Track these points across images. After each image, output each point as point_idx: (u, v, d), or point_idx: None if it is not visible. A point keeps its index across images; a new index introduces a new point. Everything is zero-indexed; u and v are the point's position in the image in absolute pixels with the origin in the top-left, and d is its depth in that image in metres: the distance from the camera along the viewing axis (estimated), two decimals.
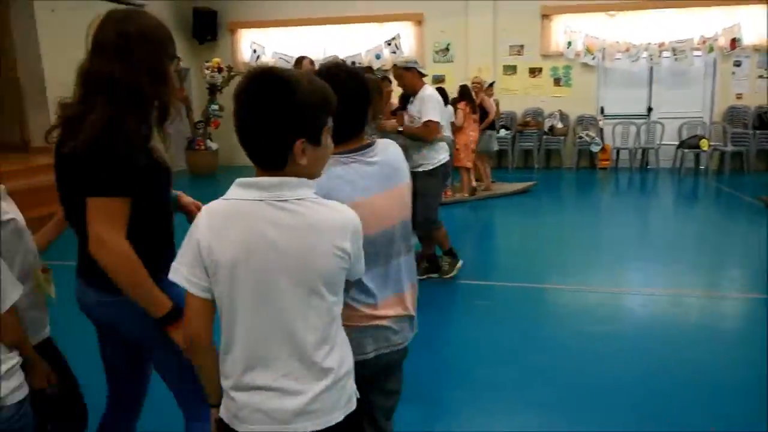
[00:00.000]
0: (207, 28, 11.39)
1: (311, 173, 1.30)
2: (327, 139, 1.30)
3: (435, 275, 4.82)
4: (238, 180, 1.27)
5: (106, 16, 1.59)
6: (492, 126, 8.47)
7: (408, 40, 10.99)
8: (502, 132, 10.19)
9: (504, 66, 10.74)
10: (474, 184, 8.15)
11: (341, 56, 10.87)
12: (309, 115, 1.23)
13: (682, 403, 2.87)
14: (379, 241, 1.60)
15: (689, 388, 2.99)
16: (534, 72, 10.71)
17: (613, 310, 4.22)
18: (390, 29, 10.96)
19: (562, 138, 10.46)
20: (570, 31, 10.42)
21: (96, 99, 1.53)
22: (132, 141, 1.51)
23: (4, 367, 1.49)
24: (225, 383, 1.31)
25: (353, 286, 1.55)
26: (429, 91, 4.65)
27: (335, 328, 1.32)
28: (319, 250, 1.24)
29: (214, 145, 10.80)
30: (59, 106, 1.62)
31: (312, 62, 5.54)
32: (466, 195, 7.98)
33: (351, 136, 1.62)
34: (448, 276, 4.80)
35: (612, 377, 3.15)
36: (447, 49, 10.90)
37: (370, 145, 1.65)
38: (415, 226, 4.68)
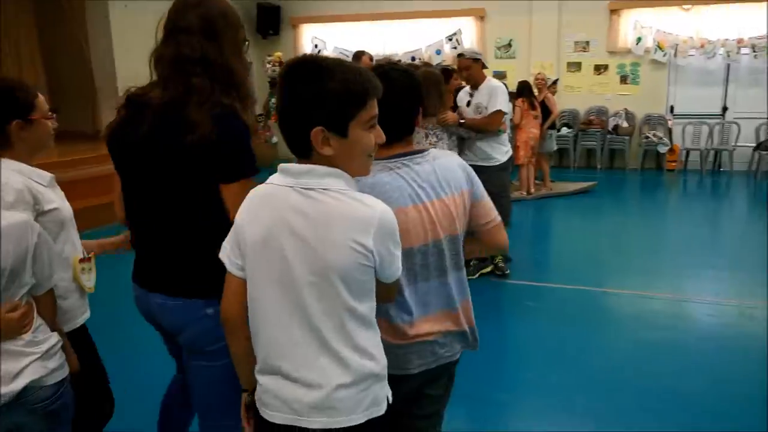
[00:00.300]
0: (270, 23, 11.60)
1: (344, 166, 1.25)
2: (358, 133, 1.24)
3: (487, 269, 4.73)
4: (280, 165, 1.27)
5: (182, 2, 1.59)
6: (552, 125, 8.24)
7: (469, 36, 10.82)
8: (564, 130, 9.90)
9: (568, 63, 10.40)
10: (533, 182, 7.95)
11: (401, 52, 10.89)
12: (332, 104, 1.19)
13: (745, 420, 2.69)
14: (421, 254, 1.52)
15: (755, 405, 2.79)
16: (599, 69, 10.33)
17: (674, 317, 4.01)
18: (451, 25, 10.83)
19: (627, 138, 10.05)
20: (640, 26, 9.97)
21: (191, 82, 1.50)
22: (245, 120, 1.54)
23: (45, 347, 1.53)
24: (256, 366, 1.31)
25: (393, 300, 1.46)
26: (496, 82, 4.64)
27: (363, 330, 1.26)
28: (334, 241, 1.20)
29: (274, 138, 10.99)
30: (132, 95, 1.60)
31: (371, 58, 5.53)
32: (524, 193, 7.79)
33: (397, 138, 1.53)
34: (503, 276, 4.70)
35: (670, 389, 2.98)
36: (509, 45, 10.66)
37: (420, 152, 1.57)
38: None
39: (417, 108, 1.56)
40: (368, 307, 1.27)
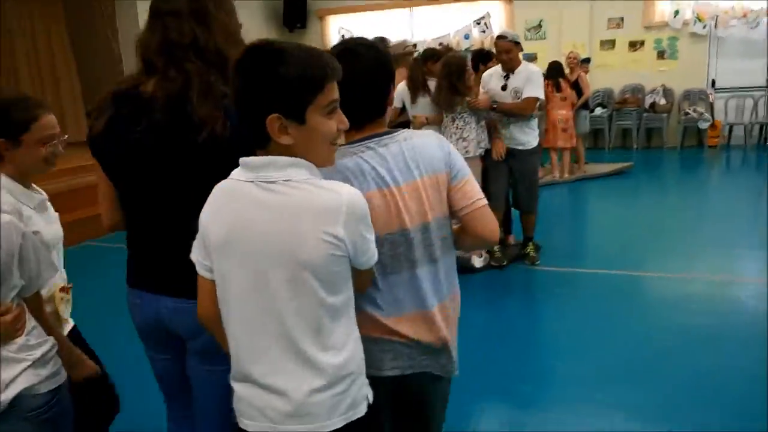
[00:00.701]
0: (297, 16, 11.59)
1: (306, 155, 1.18)
2: (317, 119, 1.16)
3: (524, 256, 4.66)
4: (241, 159, 1.21)
5: None
6: (586, 105, 8.00)
7: (498, 19, 10.60)
8: (598, 110, 9.62)
9: (601, 41, 10.09)
10: (567, 165, 7.76)
11: (429, 38, 10.74)
12: (286, 89, 1.12)
13: None
14: (389, 243, 1.39)
15: None
16: (635, 45, 9.98)
17: (717, 301, 3.82)
18: (479, 8, 10.62)
19: (665, 115, 9.69)
20: None
21: (185, 70, 1.40)
22: None
23: (39, 353, 1.49)
24: (230, 373, 1.27)
25: (365, 290, 1.37)
26: (533, 66, 4.59)
27: (338, 325, 1.20)
28: (305, 235, 1.13)
29: None
30: (120, 90, 1.47)
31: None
32: (557, 176, 7.61)
33: (368, 120, 1.42)
34: (535, 263, 4.60)
35: (712, 379, 2.84)
36: (539, 26, 10.40)
37: (389, 132, 1.44)
38: (520, 208, 4.64)
39: (388, 86, 1.44)
40: (344, 298, 1.21)
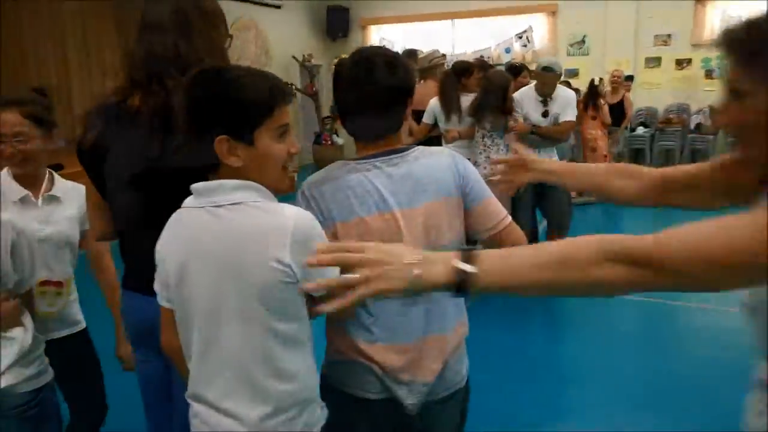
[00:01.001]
0: (339, 26, 11.72)
1: (257, 179, 1.17)
2: (266, 142, 1.15)
3: None
4: (192, 186, 1.20)
5: None
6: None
7: (540, 33, 10.47)
8: (640, 130, 9.37)
9: (646, 58, 9.83)
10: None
11: (470, 50, 10.69)
12: (234, 110, 1.12)
13: None
14: None
15: None
16: (681, 64, 9.69)
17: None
18: (521, 22, 10.52)
19: (711, 137, 9.36)
20: (728, 16, 9.26)
21: (167, 86, 1.39)
22: None
23: (18, 348, 1.53)
24: (187, 391, 1.26)
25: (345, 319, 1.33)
26: (569, 91, 4.67)
27: (291, 352, 1.18)
28: (251, 261, 1.12)
29: (340, 140, 11.09)
30: (107, 104, 1.48)
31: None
32: (594, 198, 7.44)
33: (381, 135, 1.36)
34: None
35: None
36: (582, 41, 10.22)
37: (401, 150, 1.37)
38: (551, 227, 4.56)
39: (404, 101, 1.38)
40: (296, 327, 1.18)
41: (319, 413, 1.27)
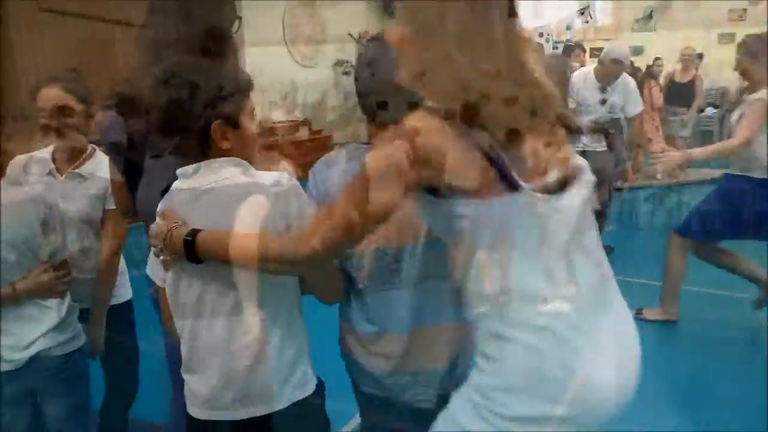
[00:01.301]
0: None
1: (241, 157, 1.22)
2: (247, 123, 1.23)
3: None
4: (178, 170, 1.24)
5: None
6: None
7: (602, 8, 10.02)
8: (709, 110, 8.86)
9: (719, 34, 9.25)
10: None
11: (529, 27, 10.35)
12: (224, 96, 1.17)
13: None
14: (380, 257, 1.27)
15: None
16: None
17: None
18: None
19: None
20: None
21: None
22: None
23: (56, 318, 1.62)
24: (182, 365, 1.30)
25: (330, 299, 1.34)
26: (629, 78, 4.42)
27: (277, 330, 1.21)
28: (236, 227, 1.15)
29: None
30: (122, 93, 1.59)
31: (584, 50, 5.33)
32: (659, 178, 7.10)
33: (392, 118, 1.27)
34: None
35: None
36: (649, 16, 9.71)
37: None
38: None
39: None
40: (283, 305, 1.24)
41: (310, 373, 1.30)
